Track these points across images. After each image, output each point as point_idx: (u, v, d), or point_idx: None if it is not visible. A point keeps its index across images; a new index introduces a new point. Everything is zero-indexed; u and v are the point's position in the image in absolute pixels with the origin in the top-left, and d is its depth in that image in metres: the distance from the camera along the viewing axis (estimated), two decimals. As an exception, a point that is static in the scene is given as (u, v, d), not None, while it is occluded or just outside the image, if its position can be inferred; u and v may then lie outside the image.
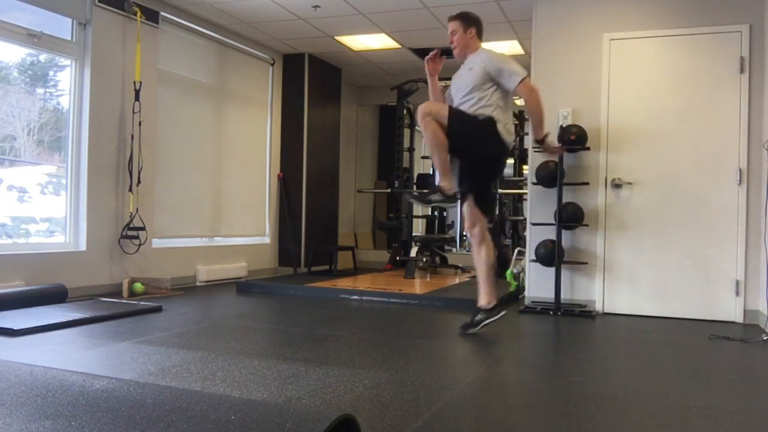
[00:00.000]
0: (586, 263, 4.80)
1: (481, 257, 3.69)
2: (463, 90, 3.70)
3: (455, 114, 3.63)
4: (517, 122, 8.13)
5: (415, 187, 8.38)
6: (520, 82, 3.63)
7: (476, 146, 3.66)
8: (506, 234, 7.48)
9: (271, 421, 1.55)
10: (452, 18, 3.74)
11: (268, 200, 7.17)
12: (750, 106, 4.47)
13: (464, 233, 11.80)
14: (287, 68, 7.34)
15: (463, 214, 3.84)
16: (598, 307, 4.79)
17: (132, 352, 3.03)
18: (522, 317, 4.53)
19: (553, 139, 3.78)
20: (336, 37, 6.64)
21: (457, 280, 6.42)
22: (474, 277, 6.71)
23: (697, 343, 3.70)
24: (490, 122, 3.63)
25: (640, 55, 4.75)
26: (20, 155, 4.80)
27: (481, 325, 3.65)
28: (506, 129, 3.69)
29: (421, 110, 3.57)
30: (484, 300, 3.69)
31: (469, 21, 3.72)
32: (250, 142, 6.93)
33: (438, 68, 3.89)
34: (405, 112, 7.60)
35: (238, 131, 6.72)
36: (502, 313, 3.74)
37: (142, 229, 5.20)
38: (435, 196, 3.70)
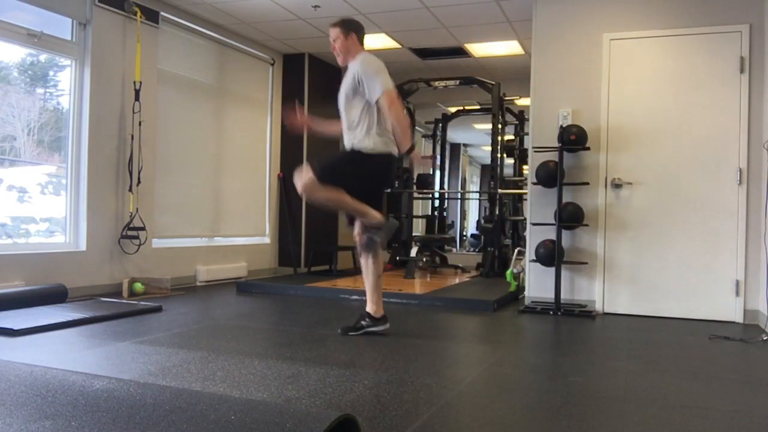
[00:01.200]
0: (586, 263, 4.80)
1: (368, 266, 3.66)
2: (342, 100, 3.61)
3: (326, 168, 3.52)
4: (517, 122, 8.14)
5: (414, 186, 8.38)
6: (381, 95, 3.43)
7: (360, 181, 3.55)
8: (506, 234, 7.47)
9: (271, 421, 1.55)
10: (332, 25, 3.65)
11: (268, 200, 7.17)
12: (750, 106, 4.47)
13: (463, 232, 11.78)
14: (287, 68, 7.34)
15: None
16: (598, 307, 4.79)
17: (132, 352, 3.03)
18: (522, 317, 4.53)
19: (419, 150, 3.63)
20: (336, 37, 6.63)
21: (457, 280, 6.42)
22: (474, 276, 6.74)
23: (697, 343, 3.70)
24: (361, 156, 3.50)
25: (640, 55, 4.75)
26: (20, 155, 4.80)
27: (362, 331, 3.61)
28: (382, 142, 3.51)
29: (300, 189, 3.47)
30: (372, 308, 3.66)
31: (349, 26, 3.64)
32: (250, 142, 6.93)
33: (305, 120, 3.82)
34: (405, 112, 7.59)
35: (238, 131, 6.72)
36: (387, 326, 3.66)
37: (142, 229, 5.20)
38: (376, 236, 3.61)
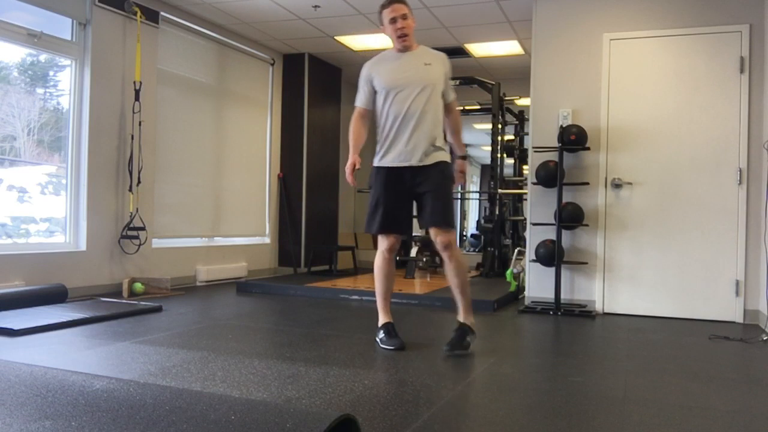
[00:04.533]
0: (586, 263, 4.80)
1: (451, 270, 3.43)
2: (415, 89, 3.23)
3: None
4: (517, 122, 8.14)
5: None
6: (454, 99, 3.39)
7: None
8: (506, 234, 7.47)
9: (271, 421, 1.55)
10: (399, 0, 3.25)
11: (268, 200, 7.17)
12: (750, 106, 4.47)
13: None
14: (287, 68, 7.34)
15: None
16: (598, 307, 4.79)
17: (132, 352, 3.03)
18: (522, 317, 4.53)
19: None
20: (336, 37, 6.64)
21: (457, 280, 6.41)
22: (474, 276, 6.74)
23: (697, 343, 3.70)
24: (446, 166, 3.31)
25: (640, 55, 4.75)
26: (20, 155, 4.80)
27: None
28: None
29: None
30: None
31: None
32: (250, 142, 6.93)
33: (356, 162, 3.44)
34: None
35: (238, 131, 6.72)
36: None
37: (142, 229, 5.20)
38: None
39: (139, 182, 5.25)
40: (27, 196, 4.82)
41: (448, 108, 3.39)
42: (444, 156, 3.30)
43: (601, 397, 2.48)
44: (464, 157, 3.42)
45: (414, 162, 3.25)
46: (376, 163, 3.39)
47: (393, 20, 3.24)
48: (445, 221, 3.25)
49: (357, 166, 3.34)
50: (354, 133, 3.40)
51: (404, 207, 3.35)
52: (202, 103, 6.23)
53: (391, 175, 3.31)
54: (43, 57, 4.92)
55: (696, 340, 3.82)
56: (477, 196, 12.11)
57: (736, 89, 4.51)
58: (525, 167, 7.36)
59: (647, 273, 4.69)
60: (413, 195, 3.32)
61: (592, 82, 4.86)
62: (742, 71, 4.50)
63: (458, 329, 3.26)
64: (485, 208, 8.77)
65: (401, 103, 3.24)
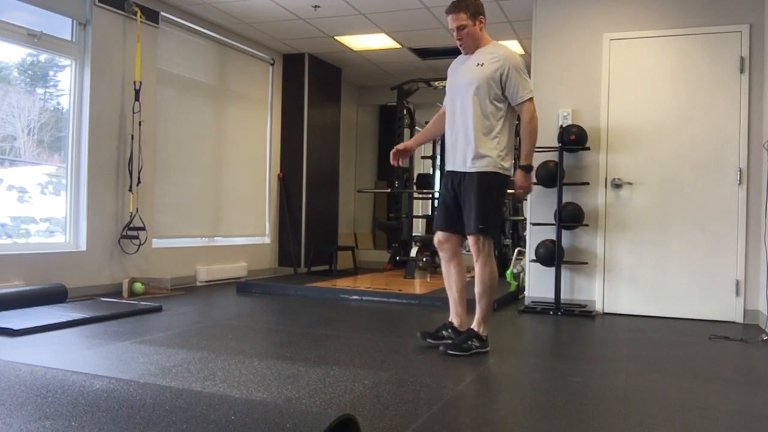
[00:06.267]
0: (586, 263, 4.80)
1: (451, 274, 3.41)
2: (462, 91, 3.20)
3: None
4: (517, 122, 8.13)
5: (415, 186, 8.37)
6: (528, 100, 3.18)
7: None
8: (506, 234, 7.47)
9: (271, 421, 1.55)
10: (454, 10, 3.14)
11: (268, 200, 7.17)
12: (750, 106, 4.47)
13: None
14: (287, 68, 7.34)
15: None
16: (598, 307, 4.79)
17: (132, 352, 3.03)
18: (522, 317, 4.53)
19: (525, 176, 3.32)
20: (336, 37, 6.64)
21: (457, 280, 6.41)
22: (474, 276, 6.72)
23: (697, 343, 3.70)
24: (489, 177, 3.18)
25: (640, 55, 4.75)
26: (20, 155, 4.80)
27: (471, 353, 3.20)
28: (502, 166, 3.22)
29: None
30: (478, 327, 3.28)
31: (477, 9, 3.15)
32: (250, 142, 6.93)
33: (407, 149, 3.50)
34: (405, 112, 7.59)
35: (238, 131, 6.72)
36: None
37: (142, 229, 5.20)
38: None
39: (139, 182, 5.25)
40: (27, 196, 4.82)
41: (518, 110, 3.25)
42: (484, 164, 3.18)
43: (601, 397, 2.48)
44: (525, 168, 3.23)
45: (457, 168, 3.26)
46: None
47: (453, 30, 3.22)
48: (468, 228, 3.21)
49: (401, 148, 3.47)
50: (427, 126, 3.61)
51: (459, 208, 3.29)
52: (202, 103, 6.23)
53: (448, 176, 3.34)
54: (43, 57, 4.92)
55: (696, 340, 3.82)
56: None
57: (736, 89, 4.51)
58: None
59: (647, 273, 4.69)
60: (460, 197, 3.29)
61: (592, 82, 4.86)
62: (742, 71, 4.50)
63: (465, 332, 3.26)
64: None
65: (451, 106, 3.31)
